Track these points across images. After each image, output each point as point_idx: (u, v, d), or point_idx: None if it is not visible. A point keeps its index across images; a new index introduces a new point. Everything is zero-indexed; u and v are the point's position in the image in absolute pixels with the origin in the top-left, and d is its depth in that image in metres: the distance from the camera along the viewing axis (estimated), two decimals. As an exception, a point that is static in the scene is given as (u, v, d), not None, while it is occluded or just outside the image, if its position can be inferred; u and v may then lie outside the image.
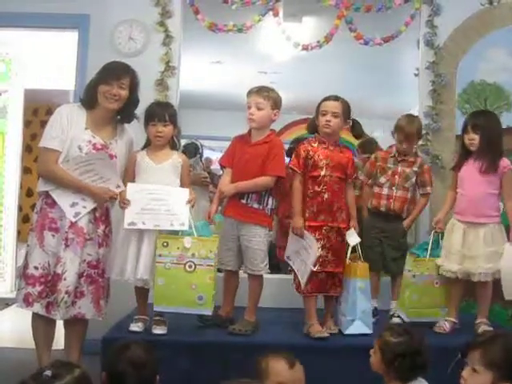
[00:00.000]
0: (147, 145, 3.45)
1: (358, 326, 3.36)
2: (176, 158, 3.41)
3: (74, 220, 3.20)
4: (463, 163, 3.62)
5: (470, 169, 3.57)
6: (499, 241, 3.51)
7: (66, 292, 3.13)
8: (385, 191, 3.79)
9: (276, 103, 3.50)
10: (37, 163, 3.32)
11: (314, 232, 3.40)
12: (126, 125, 3.49)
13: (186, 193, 3.32)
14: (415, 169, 3.82)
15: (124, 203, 3.26)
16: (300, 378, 2.30)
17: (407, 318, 3.59)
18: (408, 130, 3.77)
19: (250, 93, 3.51)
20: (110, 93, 3.27)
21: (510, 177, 3.56)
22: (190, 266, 3.17)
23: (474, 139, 3.53)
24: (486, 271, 3.47)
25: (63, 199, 3.22)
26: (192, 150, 4.81)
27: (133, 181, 3.35)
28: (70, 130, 3.23)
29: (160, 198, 3.25)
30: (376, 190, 3.83)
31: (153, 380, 2.23)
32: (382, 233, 3.79)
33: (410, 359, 2.26)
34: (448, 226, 3.64)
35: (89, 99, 3.33)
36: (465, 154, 3.62)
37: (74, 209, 3.21)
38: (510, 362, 1.88)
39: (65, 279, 3.14)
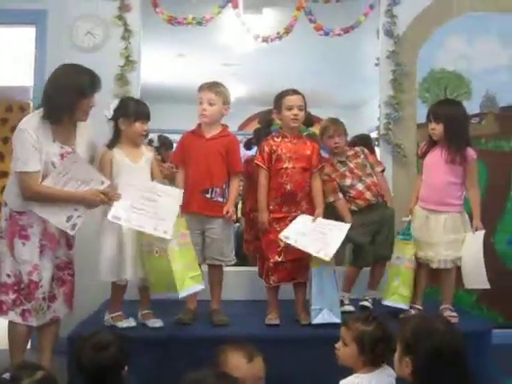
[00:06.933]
0: (116, 141, 3.39)
1: (326, 316, 3.35)
2: (147, 153, 3.43)
3: (72, 233, 3.19)
4: (429, 151, 3.66)
5: (435, 157, 3.60)
6: (460, 229, 3.56)
7: (43, 298, 3.15)
8: (360, 186, 3.79)
9: (227, 98, 3.55)
10: (19, 187, 3.14)
11: (279, 223, 3.46)
12: None
13: (179, 195, 3.28)
14: (362, 156, 3.89)
15: (116, 196, 3.20)
16: (259, 370, 2.25)
17: (405, 306, 3.57)
18: (334, 124, 3.89)
19: (201, 88, 3.54)
20: (90, 106, 3.24)
21: (473, 166, 3.62)
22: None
23: (434, 128, 3.57)
24: (445, 258, 3.52)
25: (56, 217, 3.15)
26: (168, 144, 4.83)
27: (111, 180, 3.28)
28: (42, 147, 3.12)
29: (151, 197, 3.21)
30: (352, 193, 3.78)
31: (119, 369, 2.25)
32: (374, 225, 3.78)
33: (388, 343, 2.27)
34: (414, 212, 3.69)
35: (59, 115, 3.17)
36: (431, 142, 3.66)
37: (70, 222, 3.17)
38: (414, 340, 1.97)
39: (41, 286, 3.13)
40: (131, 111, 3.35)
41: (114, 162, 3.32)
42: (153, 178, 3.40)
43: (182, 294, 3.15)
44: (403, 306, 3.58)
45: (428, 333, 1.95)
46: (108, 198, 3.18)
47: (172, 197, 3.25)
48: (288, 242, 3.35)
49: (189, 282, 3.16)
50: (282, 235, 3.37)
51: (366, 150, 3.97)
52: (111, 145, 3.38)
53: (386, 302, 3.62)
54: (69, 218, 3.17)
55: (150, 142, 4.52)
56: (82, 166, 3.20)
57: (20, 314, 3.14)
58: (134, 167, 3.34)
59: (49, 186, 3.12)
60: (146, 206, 3.18)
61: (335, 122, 3.93)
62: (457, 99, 4.25)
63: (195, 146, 3.53)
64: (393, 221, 3.83)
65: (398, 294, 3.60)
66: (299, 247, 3.33)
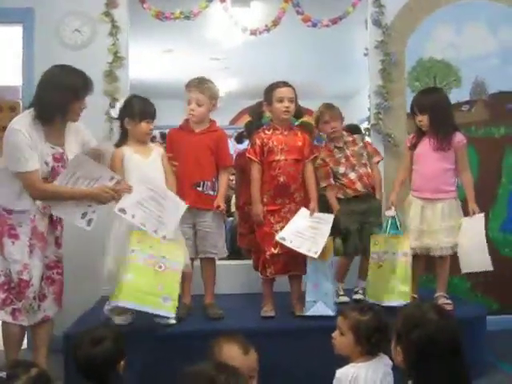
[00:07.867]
0: (124, 140, 3.41)
1: (320, 308, 3.36)
2: (157, 148, 3.47)
3: (89, 229, 3.18)
4: (419, 142, 3.67)
5: (425, 146, 3.62)
6: (456, 215, 3.58)
7: (34, 298, 3.14)
8: (352, 175, 3.80)
9: (214, 94, 3.59)
10: (25, 188, 3.11)
11: (273, 215, 3.47)
12: None
13: (183, 207, 3.29)
14: (360, 144, 3.90)
15: (126, 189, 3.21)
16: (254, 363, 2.26)
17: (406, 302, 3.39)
18: (329, 110, 3.90)
19: (188, 86, 3.57)
20: (81, 108, 3.22)
21: (463, 151, 3.64)
22: (160, 267, 3.10)
23: (422, 120, 3.59)
24: (446, 245, 3.54)
25: (71, 215, 3.17)
26: None
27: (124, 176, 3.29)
28: (36, 146, 3.09)
29: (158, 200, 3.22)
30: (344, 180, 3.80)
31: (114, 363, 2.26)
32: (362, 215, 3.78)
33: (384, 333, 2.28)
34: (405, 203, 3.70)
35: (51, 116, 3.15)
36: (420, 132, 3.67)
37: (85, 218, 3.18)
38: (405, 329, 1.97)
39: (32, 285, 3.12)
40: (136, 111, 3.36)
41: (125, 158, 3.34)
42: (164, 172, 3.41)
43: (118, 303, 3.04)
44: (404, 302, 3.33)
45: (418, 322, 1.95)
46: (117, 193, 3.19)
47: (178, 208, 3.27)
48: (284, 243, 3.36)
49: (125, 296, 3.02)
50: (278, 237, 3.38)
51: (365, 140, 3.98)
52: (119, 144, 3.42)
53: (386, 303, 3.37)
54: (84, 215, 3.18)
55: (153, 139, 4.50)
56: (88, 164, 3.18)
57: (10, 313, 3.13)
58: (145, 162, 3.36)
59: (55, 185, 3.12)
60: (153, 207, 3.19)
61: (330, 106, 3.94)
62: (446, 87, 4.27)
63: (184, 141, 3.55)
64: (380, 212, 3.85)
65: (397, 292, 3.46)
66: (293, 248, 3.35)
